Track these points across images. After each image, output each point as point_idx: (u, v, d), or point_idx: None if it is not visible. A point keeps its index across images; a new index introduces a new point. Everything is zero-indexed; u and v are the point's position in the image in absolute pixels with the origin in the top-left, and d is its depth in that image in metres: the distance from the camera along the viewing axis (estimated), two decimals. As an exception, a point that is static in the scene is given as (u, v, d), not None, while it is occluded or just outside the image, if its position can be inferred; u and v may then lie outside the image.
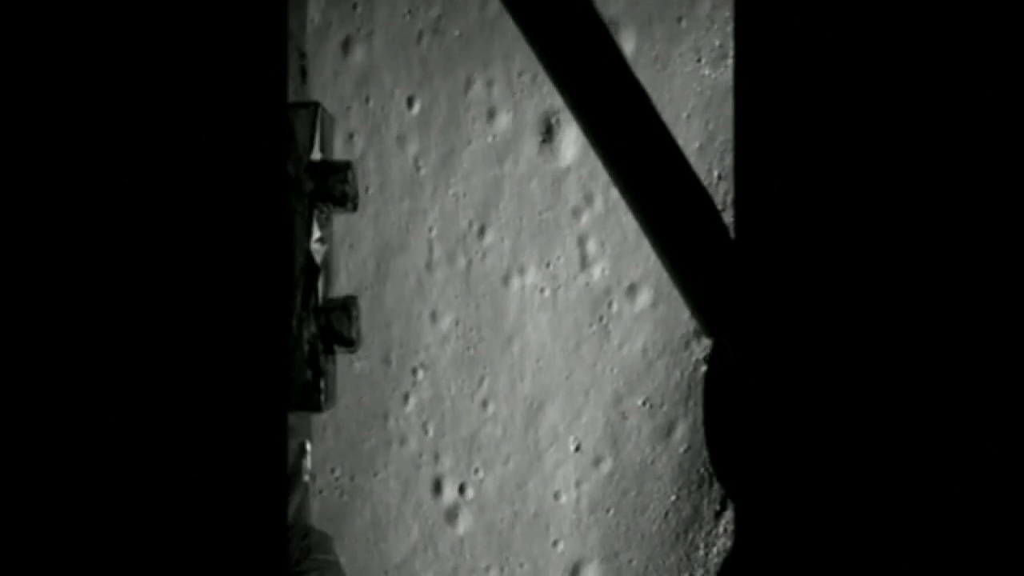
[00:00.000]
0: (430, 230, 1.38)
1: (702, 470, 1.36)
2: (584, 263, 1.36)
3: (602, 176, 1.36)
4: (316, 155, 1.14)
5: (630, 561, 1.34)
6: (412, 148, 1.41)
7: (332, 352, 1.18)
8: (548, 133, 1.36)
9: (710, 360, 1.22)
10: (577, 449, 1.34)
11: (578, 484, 1.34)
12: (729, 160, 1.28)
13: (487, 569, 1.37)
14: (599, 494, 1.34)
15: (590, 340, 1.35)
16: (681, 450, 1.30)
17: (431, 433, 1.39)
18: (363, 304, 1.39)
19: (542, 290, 1.37)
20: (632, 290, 1.34)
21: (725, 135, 1.28)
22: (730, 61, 1.26)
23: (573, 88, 1.11)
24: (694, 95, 1.32)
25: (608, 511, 1.33)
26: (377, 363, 1.41)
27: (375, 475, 1.41)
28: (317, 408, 1.15)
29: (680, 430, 1.31)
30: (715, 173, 1.30)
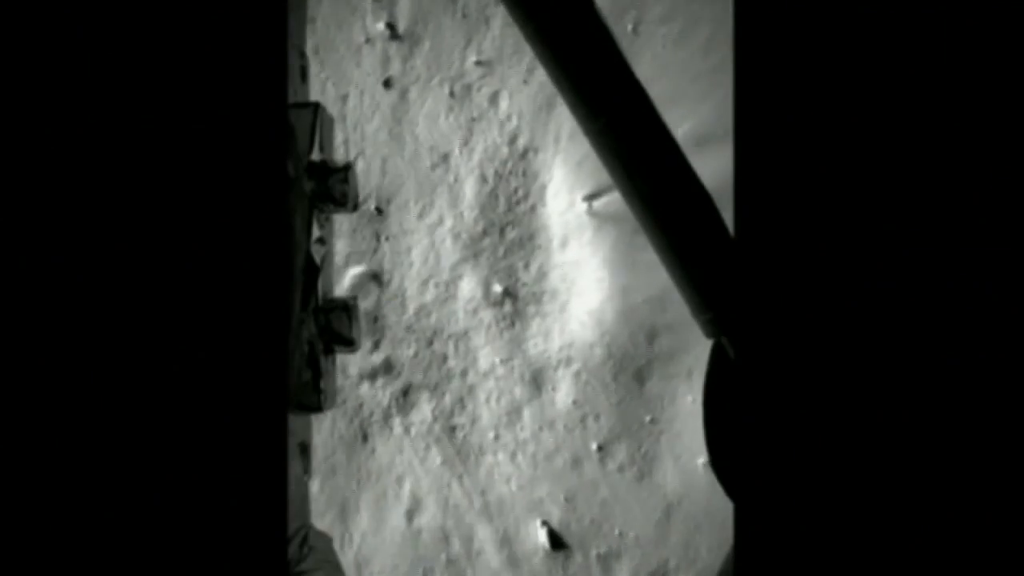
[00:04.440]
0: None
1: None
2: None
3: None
4: (316, 155, 1.33)
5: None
6: None
7: (332, 352, 1.36)
8: None
9: (710, 360, 1.37)
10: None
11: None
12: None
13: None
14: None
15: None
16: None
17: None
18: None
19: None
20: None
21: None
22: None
23: (572, 87, 1.29)
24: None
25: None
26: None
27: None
28: (317, 408, 1.32)
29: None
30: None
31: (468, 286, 4.43)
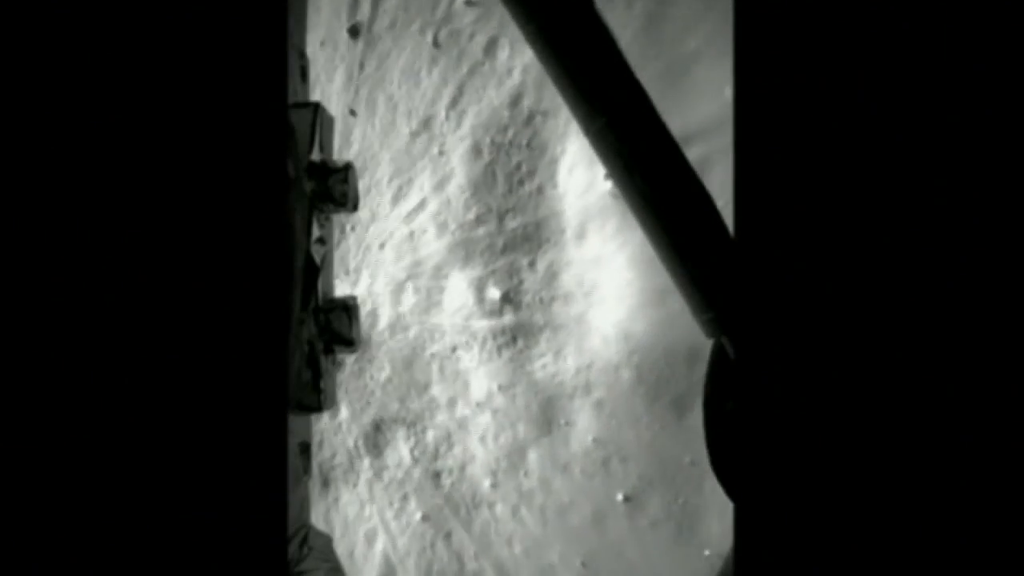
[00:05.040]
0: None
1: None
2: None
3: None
4: (316, 155, 1.73)
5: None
6: None
7: (332, 352, 1.78)
8: None
9: (710, 360, 1.75)
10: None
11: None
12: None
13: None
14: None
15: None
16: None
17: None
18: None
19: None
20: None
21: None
22: None
23: (572, 87, 1.70)
24: None
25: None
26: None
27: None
28: (317, 408, 1.73)
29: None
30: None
31: (457, 290, 4.36)
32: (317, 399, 1.79)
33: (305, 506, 1.86)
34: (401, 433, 4.36)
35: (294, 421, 1.76)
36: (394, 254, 4.42)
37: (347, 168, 1.82)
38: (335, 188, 1.81)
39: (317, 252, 1.79)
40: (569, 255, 4.17)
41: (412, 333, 4.38)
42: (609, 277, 4.13)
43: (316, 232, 1.80)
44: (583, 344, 4.17)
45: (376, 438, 4.42)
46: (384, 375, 4.41)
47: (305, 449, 1.84)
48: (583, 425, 4.15)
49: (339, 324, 1.85)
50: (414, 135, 4.43)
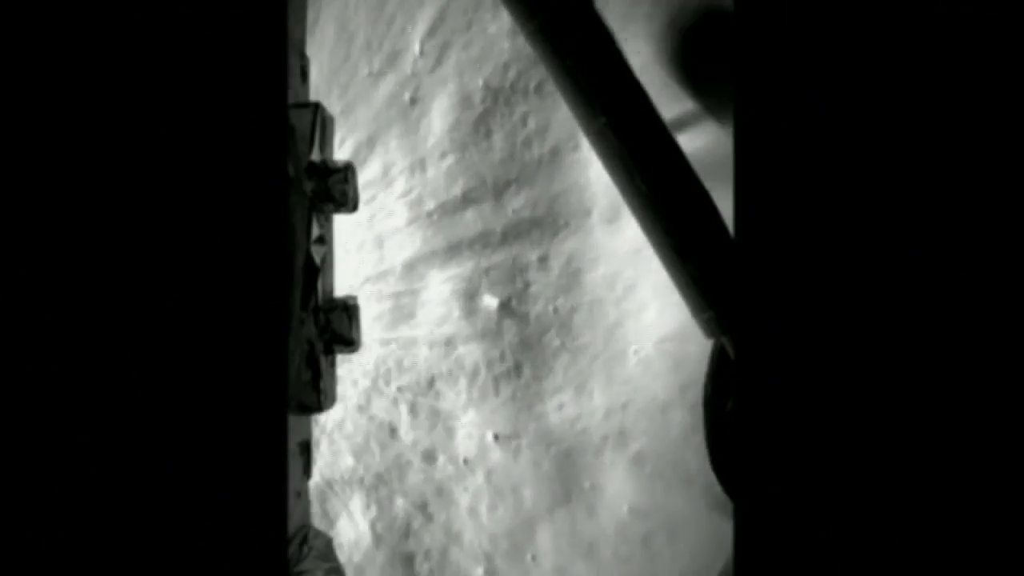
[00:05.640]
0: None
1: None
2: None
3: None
4: (316, 155, 1.75)
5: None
6: None
7: (331, 353, 1.81)
8: None
9: (710, 360, 1.75)
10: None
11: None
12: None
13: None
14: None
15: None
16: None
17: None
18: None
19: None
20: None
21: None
22: None
23: (572, 87, 1.71)
24: None
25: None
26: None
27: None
28: (317, 409, 1.76)
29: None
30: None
31: (436, 298, 3.35)
32: (317, 399, 1.81)
33: (305, 506, 1.88)
34: (358, 500, 3.34)
35: (294, 421, 1.77)
36: (351, 246, 3.45)
37: (347, 168, 1.84)
38: (335, 188, 1.83)
39: (317, 252, 1.81)
40: (596, 246, 3.01)
41: (372, 358, 3.37)
42: (651, 277, 2.91)
43: (316, 232, 1.81)
44: (615, 374, 3.04)
45: (324, 506, 3.38)
46: (335, 417, 3.44)
47: (305, 449, 1.85)
48: (615, 489, 3.08)
49: (339, 324, 1.88)
50: (376, 76, 3.35)
